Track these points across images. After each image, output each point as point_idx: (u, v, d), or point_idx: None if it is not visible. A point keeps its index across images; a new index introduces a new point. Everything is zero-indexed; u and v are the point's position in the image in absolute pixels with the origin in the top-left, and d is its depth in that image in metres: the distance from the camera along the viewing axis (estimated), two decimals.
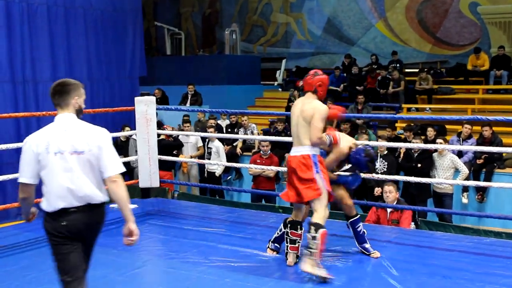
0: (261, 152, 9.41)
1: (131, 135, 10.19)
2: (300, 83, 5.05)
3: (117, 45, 12.22)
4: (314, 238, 4.42)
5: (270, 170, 8.98)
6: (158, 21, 20.69)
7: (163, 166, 10.64)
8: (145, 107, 6.96)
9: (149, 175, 7.05)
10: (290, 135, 10.94)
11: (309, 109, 4.68)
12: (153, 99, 7.10)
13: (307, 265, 4.40)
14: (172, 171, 10.60)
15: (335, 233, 5.64)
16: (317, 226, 4.46)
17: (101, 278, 4.59)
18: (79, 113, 3.53)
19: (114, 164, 3.34)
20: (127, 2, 12.37)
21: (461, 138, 9.71)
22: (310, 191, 4.59)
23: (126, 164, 10.60)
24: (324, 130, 4.82)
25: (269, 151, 9.40)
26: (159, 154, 7.17)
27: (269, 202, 8.91)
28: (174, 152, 10.46)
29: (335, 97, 15.00)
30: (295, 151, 4.75)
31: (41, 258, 5.11)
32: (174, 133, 10.47)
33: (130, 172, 11.01)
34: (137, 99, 7.08)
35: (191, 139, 11.06)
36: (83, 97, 3.58)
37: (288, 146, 10.58)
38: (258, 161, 9.23)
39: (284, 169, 8.71)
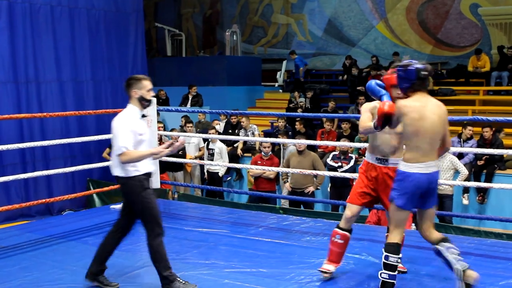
0: (262, 153, 9.41)
1: None
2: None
3: (120, 46, 12.19)
4: None
5: (271, 171, 8.99)
6: (159, 22, 20.70)
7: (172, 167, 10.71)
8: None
9: None
10: (290, 136, 10.96)
11: None
12: (153, 100, 7.09)
13: None
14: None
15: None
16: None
17: None
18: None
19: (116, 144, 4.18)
20: (128, 3, 12.36)
21: (461, 139, 9.71)
22: None
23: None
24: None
25: (270, 152, 9.41)
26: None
27: (270, 203, 8.92)
28: (180, 153, 10.48)
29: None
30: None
31: (42, 258, 5.13)
32: (175, 134, 10.48)
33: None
34: None
35: (193, 139, 11.09)
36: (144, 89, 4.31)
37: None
38: (259, 162, 9.23)
39: (283, 169, 8.73)
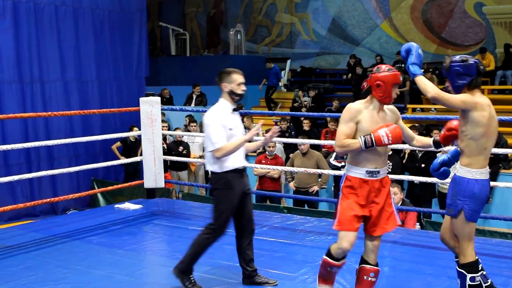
0: (267, 152, 9.41)
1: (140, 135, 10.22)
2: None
3: (124, 45, 12.24)
4: None
5: (275, 170, 8.98)
6: (163, 21, 20.72)
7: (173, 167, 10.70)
8: (150, 107, 6.97)
9: (154, 176, 7.05)
10: (293, 136, 10.95)
11: None
12: (158, 99, 7.11)
13: None
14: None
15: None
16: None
17: (106, 277, 4.62)
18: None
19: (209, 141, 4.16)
20: (132, 3, 12.40)
21: None
22: None
23: (131, 164, 10.71)
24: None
25: (275, 152, 9.41)
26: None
27: (274, 203, 8.91)
28: (184, 152, 10.50)
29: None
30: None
31: (47, 258, 5.14)
32: (180, 133, 10.50)
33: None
34: (142, 99, 7.09)
35: (197, 138, 11.10)
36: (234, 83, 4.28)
37: (292, 146, 10.59)
38: (263, 161, 9.23)
39: (288, 169, 8.71)
